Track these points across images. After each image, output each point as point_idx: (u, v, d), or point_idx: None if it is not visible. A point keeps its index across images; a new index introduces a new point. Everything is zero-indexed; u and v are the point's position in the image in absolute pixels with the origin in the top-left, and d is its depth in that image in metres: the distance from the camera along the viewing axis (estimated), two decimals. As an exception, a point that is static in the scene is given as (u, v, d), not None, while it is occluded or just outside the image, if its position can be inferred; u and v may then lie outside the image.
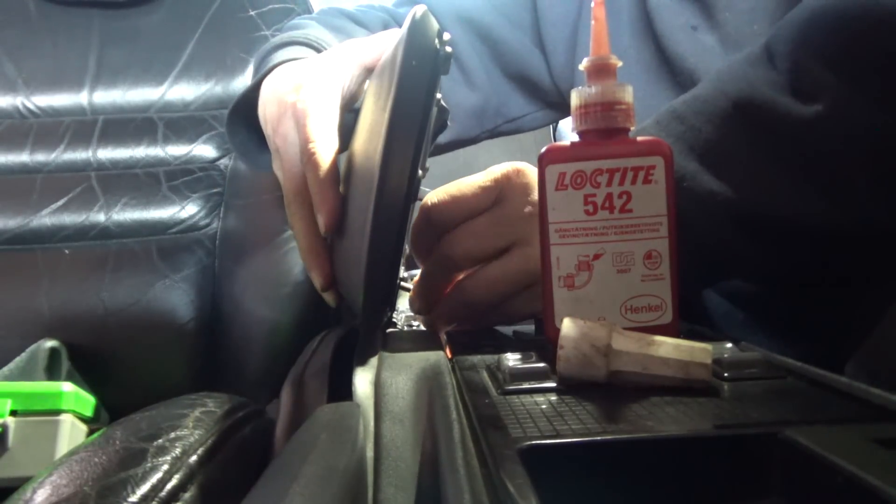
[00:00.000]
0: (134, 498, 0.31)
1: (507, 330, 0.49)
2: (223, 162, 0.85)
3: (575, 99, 0.36)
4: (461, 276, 0.44)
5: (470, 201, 0.43)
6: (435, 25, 0.34)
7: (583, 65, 0.36)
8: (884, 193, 0.38)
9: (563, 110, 0.72)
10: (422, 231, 0.44)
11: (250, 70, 0.86)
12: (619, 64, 0.36)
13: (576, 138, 0.37)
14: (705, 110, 0.40)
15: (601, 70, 0.36)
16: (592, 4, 0.36)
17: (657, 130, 0.42)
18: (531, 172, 0.44)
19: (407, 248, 0.42)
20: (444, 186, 0.43)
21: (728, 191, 0.39)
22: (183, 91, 0.87)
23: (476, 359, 0.41)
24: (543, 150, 0.36)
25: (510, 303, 0.43)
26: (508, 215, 0.42)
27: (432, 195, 0.43)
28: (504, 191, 0.43)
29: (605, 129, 0.35)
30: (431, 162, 0.43)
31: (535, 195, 0.42)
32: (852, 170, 0.38)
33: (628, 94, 0.35)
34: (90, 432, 0.58)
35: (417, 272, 0.95)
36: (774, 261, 0.42)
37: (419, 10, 0.34)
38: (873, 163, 0.37)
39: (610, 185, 0.35)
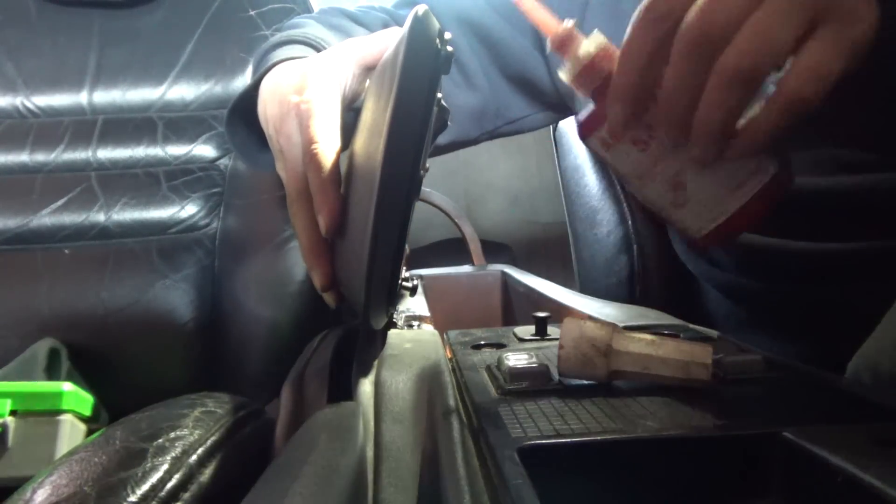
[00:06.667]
0: (134, 498, 0.31)
1: (507, 330, 0.49)
2: (223, 162, 0.85)
3: (567, 75, 0.38)
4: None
5: None
6: (436, 25, 0.34)
7: (562, 73, 0.38)
8: None
9: (564, 111, 0.72)
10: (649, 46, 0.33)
11: (250, 70, 0.86)
12: (572, 22, 0.37)
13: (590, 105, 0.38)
14: None
15: (565, 40, 0.37)
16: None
17: None
18: None
19: (408, 249, 0.42)
20: None
21: None
22: (183, 91, 0.87)
23: (476, 359, 0.41)
24: (579, 122, 0.38)
25: None
26: None
27: None
28: None
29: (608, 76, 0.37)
30: (431, 162, 0.43)
31: None
32: None
33: (599, 37, 0.37)
34: (90, 432, 0.58)
35: (419, 272, 0.95)
36: None
37: (420, 9, 0.34)
38: None
39: None
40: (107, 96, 0.87)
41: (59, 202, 0.78)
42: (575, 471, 0.26)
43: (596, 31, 0.37)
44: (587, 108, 0.39)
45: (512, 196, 1.96)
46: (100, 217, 0.78)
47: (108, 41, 0.89)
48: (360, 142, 0.42)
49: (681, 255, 0.67)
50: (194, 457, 0.35)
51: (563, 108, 0.70)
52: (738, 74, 0.31)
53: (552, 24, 0.38)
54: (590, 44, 0.37)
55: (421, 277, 0.87)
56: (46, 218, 0.78)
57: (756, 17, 0.31)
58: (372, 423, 0.32)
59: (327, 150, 0.42)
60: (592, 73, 0.37)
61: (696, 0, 0.32)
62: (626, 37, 0.34)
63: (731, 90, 0.32)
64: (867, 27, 0.31)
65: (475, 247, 1.22)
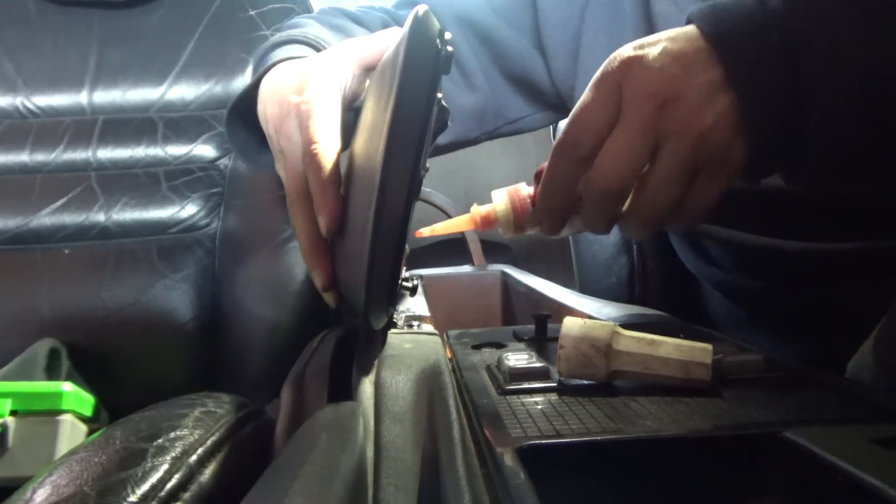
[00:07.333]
0: (134, 498, 0.31)
1: (507, 330, 0.49)
2: (223, 162, 0.85)
3: (509, 234, 0.45)
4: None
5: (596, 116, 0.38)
6: (436, 25, 0.34)
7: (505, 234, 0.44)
8: None
9: (563, 111, 0.72)
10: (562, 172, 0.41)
11: (250, 70, 0.86)
12: (477, 209, 0.45)
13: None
14: None
15: (485, 221, 0.45)
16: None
17: None
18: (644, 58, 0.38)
19: (408, 249, 0.42)
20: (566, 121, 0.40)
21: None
22: (183, 91, 0.87)
23: (476, 359, 0.41)
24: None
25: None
26: (646, 117, 0.37)
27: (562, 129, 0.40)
28: (623, 89, 0.38)
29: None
30: (431, 162, 0.43)
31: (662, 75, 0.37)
32: None
33: (500, 194, 0.45)
34: (90, 432, 0.58)
35: (419, 272, 0.95)
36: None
37: (420, 9, 0.34)
38: None
39: None
40: (107, 96, 0.87)
41: (59, 202, 0.78)
42: (575, 471, 0.26)
43: (494, 193, 0.45)
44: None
45: (512, 196, 1.96)
46: (100, 217, 0.78)
47: (108, 41, 0.89)
48: (360, 142, 0.42)
49: (681, 254, 0.67)
50: (194, 457, 0.35)
51: (562, 108, 0.70)
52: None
53: (464, 222, 0.45)
54: (500, 206, 0.44)
55: (421, 277, 0.87)
56: (46, 218, 0.78)
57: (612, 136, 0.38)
58: (372, 423, 0.32)
59: (327, 150, 0.42)
60: (522, 218, 0.44)
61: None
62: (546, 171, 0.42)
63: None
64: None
65: (475, 247, 1.23)
